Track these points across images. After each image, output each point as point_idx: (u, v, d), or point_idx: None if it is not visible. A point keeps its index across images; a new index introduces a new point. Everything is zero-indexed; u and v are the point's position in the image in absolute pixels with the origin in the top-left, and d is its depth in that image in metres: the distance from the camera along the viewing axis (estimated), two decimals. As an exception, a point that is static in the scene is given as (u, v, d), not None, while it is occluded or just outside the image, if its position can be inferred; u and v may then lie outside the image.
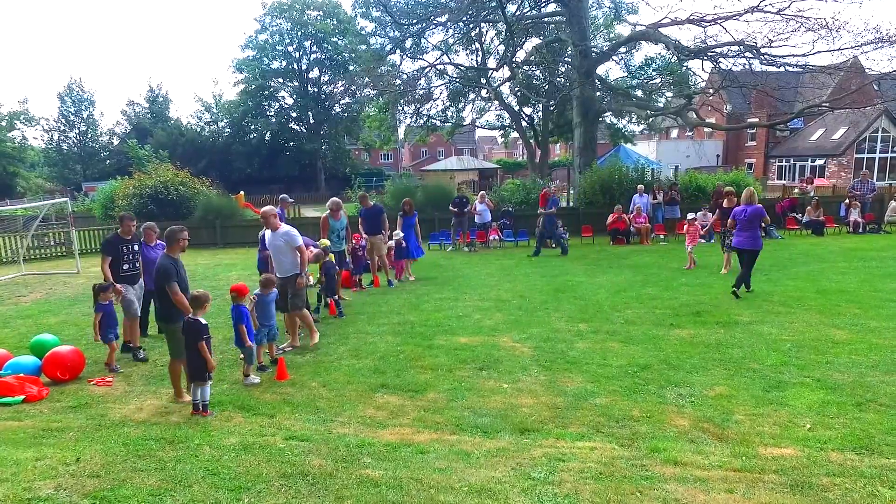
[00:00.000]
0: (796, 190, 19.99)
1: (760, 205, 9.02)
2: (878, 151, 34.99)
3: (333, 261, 8.94)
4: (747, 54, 17.39)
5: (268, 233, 7.11)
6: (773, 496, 3.29)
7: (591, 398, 5.14)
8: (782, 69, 17.57)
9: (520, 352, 6.56)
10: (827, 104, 20.86)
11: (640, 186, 16.76)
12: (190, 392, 5.19)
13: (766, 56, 17.05)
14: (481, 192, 17.87)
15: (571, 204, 20.89)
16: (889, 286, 9.11)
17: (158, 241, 7.30)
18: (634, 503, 3.25)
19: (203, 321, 5.07)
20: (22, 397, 5.48)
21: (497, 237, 16.60)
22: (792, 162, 38.05)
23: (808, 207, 16.78)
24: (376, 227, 10.68)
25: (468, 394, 5.35)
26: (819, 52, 16.70)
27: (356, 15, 31.80)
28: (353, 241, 10.29)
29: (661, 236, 16.46)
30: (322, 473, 3.62)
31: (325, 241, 8.97)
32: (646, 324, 7.54)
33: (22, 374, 5.85)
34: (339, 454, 3.97)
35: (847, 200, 16.84)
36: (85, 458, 3.81)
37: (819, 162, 36.14)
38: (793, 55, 17.06)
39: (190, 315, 5.10)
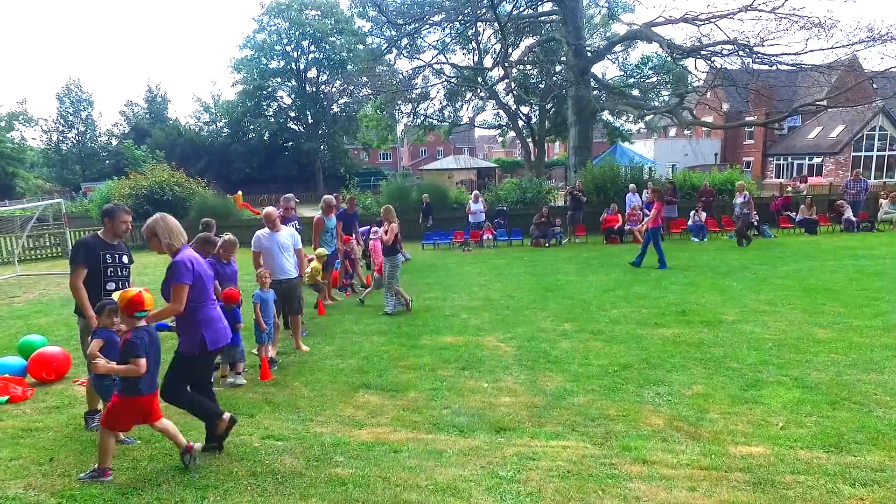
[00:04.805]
0: (789, 189, 20.03)
1: None
2: (875, 149, 34.99)
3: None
4: (740, 53, 17.41)
5: (263, 232, 6.93)
6: (733, 494, 3.33)
7: (570, 397, 5.17)
8: (775, 68, 17.59)
9: (503, 351, 6.59)
10: (823, 102, 20.88)
11: (633, 186, 16.79)
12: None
13: (759, 55, 17.07)
14: (475, 192, 17.93)
15: (566, 203, 20.89)
16: (875, 284, 9.14)
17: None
18: (595, 501, 3.28)
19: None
20: (6, 398, 5.52)
21: (490, 236, 16.65)
22: (789, 160, 38.06)
23: (802, 206, 16.82)
24: (350, 231, 10.79)
25: (448, 393, 5.38)
26: (812, 50, 16.78)
27: (353, 14, 31.88)
28: (345, 244, 10.31)
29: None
30: (292, 472, 3.66)
31: (323, 251, 8.95)
32: (630, 323, 7.57)
33: (7, 375, 5.90)
34: (312, 453, 4.02)
35: (839, 201, 16.95)
36: (59, 458, 3.86)
37: (816, 160, 36.14)
38: (786, 54, 17.11)
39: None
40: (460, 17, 22.82)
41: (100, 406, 4.69)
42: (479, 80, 26.04)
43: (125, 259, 4.72)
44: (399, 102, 26.13)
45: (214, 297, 4.37)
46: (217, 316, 4.24)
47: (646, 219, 15.50)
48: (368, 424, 4.74)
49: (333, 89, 49.10)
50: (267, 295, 6.32)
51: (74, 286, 4.44)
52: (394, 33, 25.15)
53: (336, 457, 3.96)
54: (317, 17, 48.00)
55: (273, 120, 50.98)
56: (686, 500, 3.28)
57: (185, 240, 4.17)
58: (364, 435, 4.49)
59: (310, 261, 8.32)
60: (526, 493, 3.38)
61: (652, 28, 19.95)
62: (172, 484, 3.47)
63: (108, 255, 4.56)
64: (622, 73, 28.74)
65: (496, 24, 21.25)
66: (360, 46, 31.34)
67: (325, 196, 9.83)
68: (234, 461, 3.83)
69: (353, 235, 10.87)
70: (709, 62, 19.21)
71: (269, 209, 7.12)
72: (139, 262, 5.92)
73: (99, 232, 4.70)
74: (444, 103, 30.04)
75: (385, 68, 25.81)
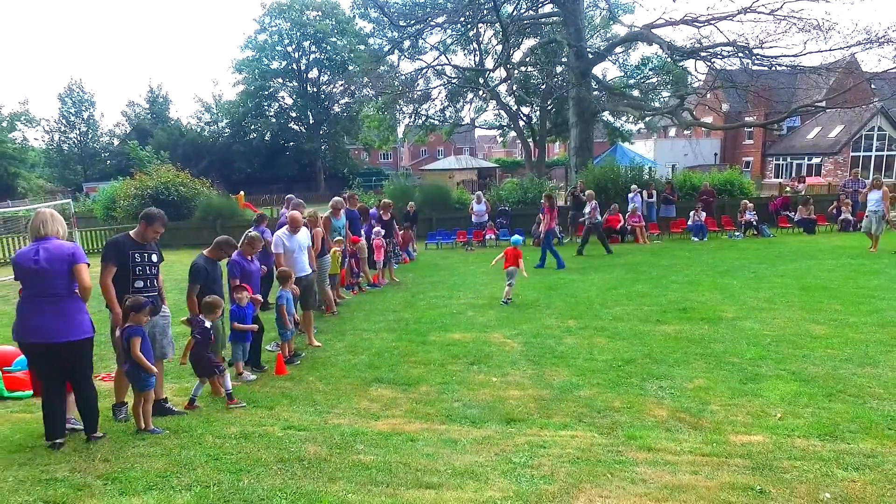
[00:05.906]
0: (788, 189, 20.25)
1: None
2: (874, 149, 35.22)
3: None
4: (740, 55, 17.63)
5: (283, 233, 7.23)
6: (734, 477, 3.54)
7: (576, 391, 5.38)
8: (774, 69, 17.82)
9: (510, 347, 6.81)
10: (821, 103, 21.10)
11: (634, 186, 17.00)
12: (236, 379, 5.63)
13: (758, 56, 17.30)
14: (477, 194, 18.14)
15: (567, 203, 21.09)
16: (872, 283, 9.35)
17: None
18: (605, 483, 3.50)
19: (207, 324, 5.27)
20: (31, 392, 5.73)
21: (493, 236, 16.86)
22: (788, 160, 38.29)
23: (800, 206, 17.04)
24: (357, 229, 10.96)
25: (459, 387, 5.59)
26: (810, 52, 16.96)
27: (354, 15, 32.08)
28: (353, 244, 10.48)
29: (655, 234, 16.72)
30: (317, 458, 3.87)
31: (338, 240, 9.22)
32: (633, 320, 7.78)
33: (27, 370, 6.09)
34: (333, 442, 4.23)
35: (837, 200, 17.19)
36: (95, 446, 4.07)
37: (815, 160, 36.37)
38: (785, 55, 17.34)
39: (198, 315, 5.32)
40: (462, 18, 23.02)
41: (127, 398, 4.90)
42: (481, 80, 26.24)
43: (154, 258, 4.87)
44: (401, 103, 26.33)
45: (42, 293, 3.98)
46: (23, 312, 4.06)
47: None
48: (384, 416, 4.95)
49: (335, 90, 49.32)
50: (289, 293, 6.58)
51: (104, 284, 4.62)
52: (396, 35, 25.35)
53: (357, 445, 4.17)
54: (318, 18, 48.21)
55: (274, 120, 51.19)
56: (690, 482, 3.49)
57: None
58: (380, 426, 4.70)
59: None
60: (539, 477, 3.60)
61: (652, 30, 20.15)
62: (207, 468, 3.68)
63: (136, 255, 4.72)
64: (623, 74, 28.97)
65: (497, 25, 21.45)
66: (362, 47, 31.58)
67: (336, 198, 10.07)
68: (261, 449, 4.04)
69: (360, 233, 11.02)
70: (708, 63, 19.43)
71: (295, 213, 7.45)
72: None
73: (130, 232, 4.88)
74: (446, 104, 30.26)
75: (387, 69, 26.02)
